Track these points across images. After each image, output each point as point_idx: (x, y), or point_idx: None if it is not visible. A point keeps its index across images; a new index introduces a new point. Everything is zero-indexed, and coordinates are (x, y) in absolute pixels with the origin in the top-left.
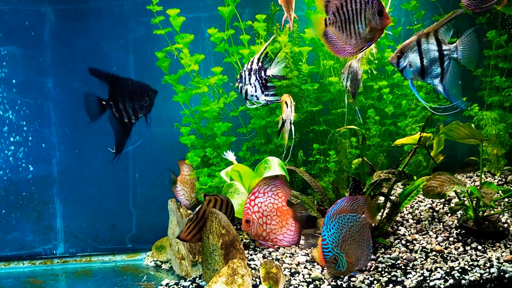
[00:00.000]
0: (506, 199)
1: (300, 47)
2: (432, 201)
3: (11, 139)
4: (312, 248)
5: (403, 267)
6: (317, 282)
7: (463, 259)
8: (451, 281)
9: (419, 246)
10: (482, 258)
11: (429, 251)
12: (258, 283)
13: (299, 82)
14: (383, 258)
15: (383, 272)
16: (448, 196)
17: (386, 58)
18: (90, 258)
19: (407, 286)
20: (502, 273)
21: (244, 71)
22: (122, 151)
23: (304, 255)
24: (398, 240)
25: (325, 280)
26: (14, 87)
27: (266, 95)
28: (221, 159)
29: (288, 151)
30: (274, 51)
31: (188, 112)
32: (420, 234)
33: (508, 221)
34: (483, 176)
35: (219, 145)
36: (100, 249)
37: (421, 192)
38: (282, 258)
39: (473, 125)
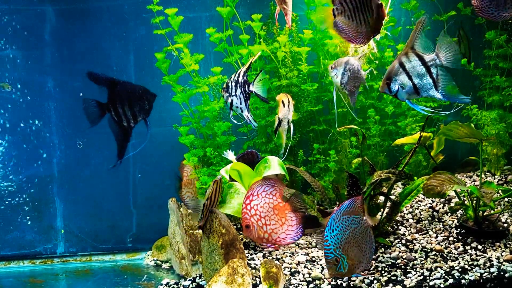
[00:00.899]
0: (506, 199)
1: (300, 46)
2: (432, 200)
3: (11, 138)
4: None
5: (403, 266)
6: (317, 282)
7: (463, 259)
8: (451, 280)
9: (419, 246)
10: (482, 257)
11: (429, 250)
12: (258, 282)
13: (299, 82)
14: (383, 257)
15: (383, 272)
16: (448, 195)
17: (386, 58)
18: (90, 257)
19: (407, 286)
20: (502, 273)
21: (231, 82)
22: (124, 157)
23: (304, 255)
24: (398, 240)
25: (325, 280)
26: (14, 87)
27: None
28: (221, 158)
29: (285, 150)
30: (273, 50)
31: (188, 112)
32: (420, 233)
33: (508, 220)
34: (483, 175)
35: (219, 145)
36: (100, 248)
37: (421, 192)
38: (282, 258)
39: (472, 125)
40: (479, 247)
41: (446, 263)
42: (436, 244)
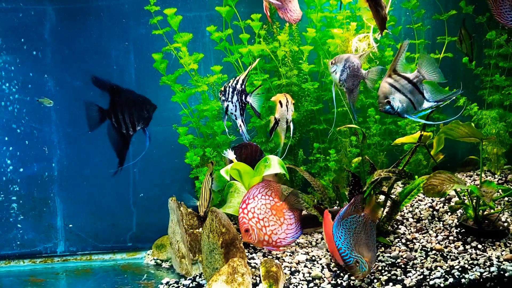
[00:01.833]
0: (506, 198)
1: (300, 46)
2: (432, 200)
3: (12, 137)
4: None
5: (403, 266)
6: (317, 281)
7: (463, 258)
8: (451, 280)
9: (419, 245)
10: (482, 257)
11: (429, 250)
12: (258, 281)
13: (300, 81)
14: (383, 257)
15: (383, 271)
16: (448, 195)
17: (386, 57)
18: (91, 256)
19: (407, 285)
20: (502, 272)
21: (229, 87)
22: (124, 165)
23: (304, 254)
24: (398, 239)
25: (325, 279)
26: (15, 86)
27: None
28: (221, 158)
29: (284, 149)
30: (273, 50)
31: (187, 112)
32: (420, 233)
33: (508, 220)
34: (483, 175)
35: (219, 144)
36: (100, 247)
37: (421, 191)
38: (282, 257)
39: (472, 124)
40: (479, 246)
41: (446, 262)
42: (436, 243)
